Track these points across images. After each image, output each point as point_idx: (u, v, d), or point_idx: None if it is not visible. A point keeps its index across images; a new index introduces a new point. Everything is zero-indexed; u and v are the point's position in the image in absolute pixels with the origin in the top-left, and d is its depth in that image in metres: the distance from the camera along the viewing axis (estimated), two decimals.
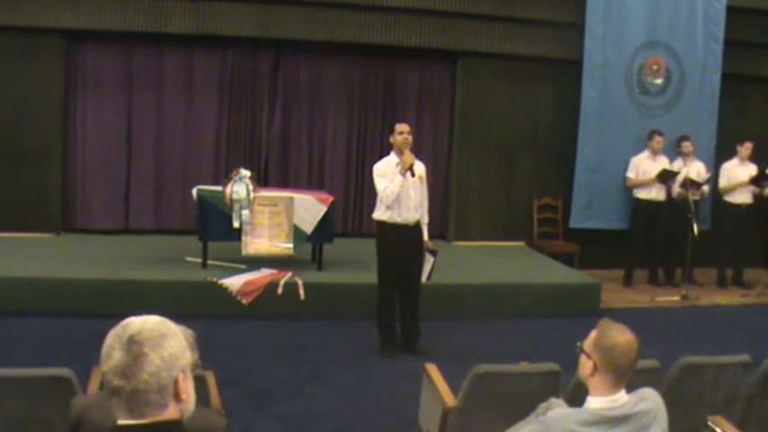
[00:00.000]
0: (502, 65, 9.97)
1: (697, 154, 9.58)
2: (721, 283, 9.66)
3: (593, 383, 2.64)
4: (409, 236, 6.41)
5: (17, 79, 8.90)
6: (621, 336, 2.62)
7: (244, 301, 7.37)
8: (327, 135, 10.06)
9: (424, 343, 6.60)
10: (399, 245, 6.38)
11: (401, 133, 6.28)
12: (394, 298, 6.53)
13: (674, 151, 9.57)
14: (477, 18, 9.56)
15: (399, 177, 6.21)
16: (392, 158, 6.36)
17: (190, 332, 1.87)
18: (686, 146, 9.43)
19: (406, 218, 6.36)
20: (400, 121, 6.60)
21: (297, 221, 7.83)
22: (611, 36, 9.72)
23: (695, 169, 9.39)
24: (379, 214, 6.43)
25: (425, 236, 6.59)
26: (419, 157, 6.52)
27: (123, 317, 1.83)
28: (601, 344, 2.62)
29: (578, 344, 2.72)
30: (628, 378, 2.63)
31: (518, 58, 9.86)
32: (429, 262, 6.58)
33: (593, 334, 2.68)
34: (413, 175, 6.24)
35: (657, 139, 9.37)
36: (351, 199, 10.15)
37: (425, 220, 6.60)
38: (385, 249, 6.46)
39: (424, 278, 6.60)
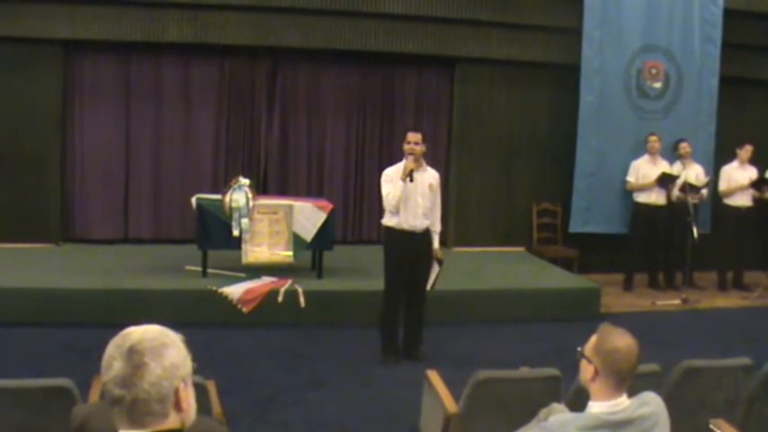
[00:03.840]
0: (499, 70, 10.00)
1: (696, 157, 9.60)
2: (722, 287, 9.66)
3: (595, 388, 2.63)
4: (416, 243, 6.40)
5: (15, 89, 8.91)
6: (622, 340, 2.61)
7: (244, 310, 7.36)
8: (326, 142, 10.07)
9: (425, 349, 6.60)
10: (405, 251, 6.38)
11: (408, 142, 6.29)
12: (398, 304, 6.53)
13: (672, 155, 9.59)
14: (474, 24, 9.58)
15: (400, 183, 6.22)
16: (401, 165, 6.37)
17: (180, 336, 1.86)
18: (683, 147, 9.45)
19: (412, 225, 6.36)
20: (414, 129, 6.56)
21: (296, 229, 7.83)
22: (609, 40, 9.73)
23: (694, 173, 9.41)
24: (387, 220, 6.44)
25: (436, 244, 6.59)
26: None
27: (123, 326, 1.83)
28: (601, 348, 2.62)
29: (579, 349, 2.72)
30: (629, 382, 2.63)
31: (516, 63, 9.88)
32: (434, 271, 6.58)
33: (593, 339, 2.68)
34: (411, 180, 6.23)
35: (651, 139, 9.41)
36: (350, 206, 10.15)
37: (436, 228, 6.59)
38: (391, 255, 6.47)
39: (428, 286, 6.59)
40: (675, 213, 9.22)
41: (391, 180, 6.32)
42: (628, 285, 9.52)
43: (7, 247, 8.69)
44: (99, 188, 9.47)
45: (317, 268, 8.09)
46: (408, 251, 6.38)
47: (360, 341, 6.89)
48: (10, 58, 8.85)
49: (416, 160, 6.27)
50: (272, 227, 7.81)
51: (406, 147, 6.29)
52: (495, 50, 9.77)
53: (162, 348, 1.77)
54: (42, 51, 8.91)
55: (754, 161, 9.63)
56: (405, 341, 6.62)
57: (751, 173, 9.57)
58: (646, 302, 8.92)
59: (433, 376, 4.31)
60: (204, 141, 9.72)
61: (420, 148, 6.29)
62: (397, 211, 6.32)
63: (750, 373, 4.03)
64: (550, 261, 9.57)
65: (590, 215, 9.90)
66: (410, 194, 6.29)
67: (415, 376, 5.03)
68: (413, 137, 6.29)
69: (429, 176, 6.47)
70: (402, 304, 6.55)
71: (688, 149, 9.45)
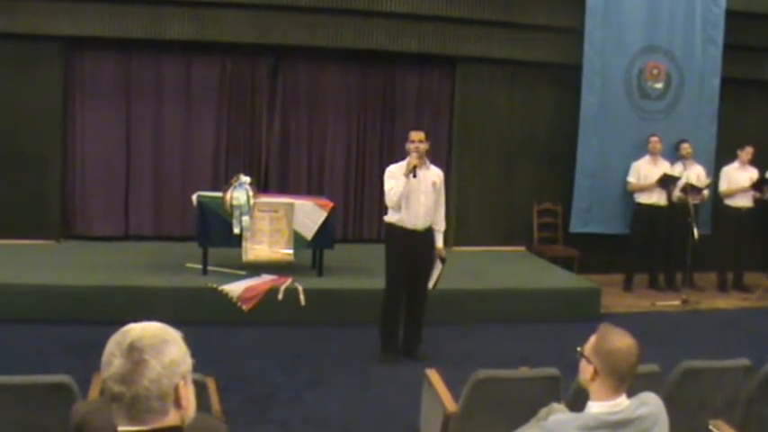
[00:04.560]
0: (501, 70, 9.99)
1: (697, 158, 9.60)
2: (722, 287, 9.66)
3: (594, 388, 2.64)
4: (417, 241, 6.40)
5: (16, 86, 8.91)
6: (621, 340, 2.61)
7: (244, 308, 7.36)
8: (327, 141, 10.06)
9: (424, 348, 6.60)
10: (406, 249, 6.37)
11: (412, 141, 6.30)
12: (399, 301, 6.53)
13: (674, 155, 9.59)
14: (475, 23, 9.57)
15: (403, 179, 6.23)
16: (405, 162, 6.37)
17: (180, 334, 1.86)
18: (685, 148, 9.45)
19: (414, 223, 6.36)
20: (416, 128, 6.58)
21: (297, 227, 7.84)
22: (610, 41, 9.73)
23: (695, 173, 9.41)
24: (389, 217, 6.45)
25: (439, 243, 6.59)
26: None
27: (123, 323, 1.84)
28: (601, 348, 2.62)
29: (578, 349, 2.72)
30: (628, 382, 2.63)
31: (517, 63, 9.87)
32: (437, 269, 6.57)
33: (593, 339, 2.68)
34: (414, 176, 6.23)
35: (652, 139, 9.41)
36: (351, 205, 10.15)
37: (440, 227, 6.58)
38: (392, 252, 6.47)
39: (429, 285, 6.60)
40: (676, 214, 9.21)
41: (394, 176, 6.32)
42: (628, 286, 9.51)
43: (8, 243, 8.70)
44: (100, 185, 9.48)
45: (318, 266, 8.10)
46: (410, 249, 6.38)
47: (360, 340, 6.90)
48: (10, 55, 8.85)
49: (420, 157, 6.27)
50: (273, 225, 7.81)
51: (410, 146, 6.30)
52: (496, 50, 9.76)
53: (162, 345, 1.77)
54: (43, 48, 8.91)
55: (754, 162, 9.62)
56: (404, 340, 6.62)
57: (751, 173, 9.56)
58: (646, 303, 8.92)
59: (433, 375, 4.31)
60: (205, 139, 9.72)
61: (423, 146, 6.30)
62: (398, 208, 6.32)
63: (750, 373, 4.03)
64: (551, 261, 9.57)
65: (591, 215, 9.89)
66: (413, 192, 6.29)
67: (414, 375, 5.03)
68: (416, 135, 6.31)
69: (433, 175, 6.47)
70: (402, 303, 6.55)
71: (689, 150, 9.45)
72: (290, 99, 9.90)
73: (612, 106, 9.81)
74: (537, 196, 10.18)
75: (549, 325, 7.67)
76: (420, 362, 6.05)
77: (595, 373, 2.62)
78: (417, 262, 6.45)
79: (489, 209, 10.15)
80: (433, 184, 6.44)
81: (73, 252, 8.79)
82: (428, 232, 6.46)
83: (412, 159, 6.21)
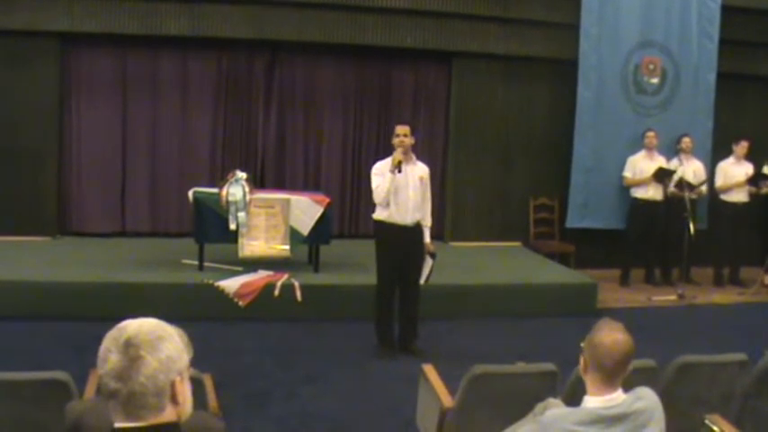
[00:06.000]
0: (497, 65, 9.98)
1: (694, 153, 9.59)
2: (718, 282, 9.67)
3: (588, 381, 2.67)
4: (407, 237, 6.41)
5: (12, 82, 8.89)
6: (609, 335, 2.62)
7: (240, 303, 7.36)
8: (323, 136, 10.06)
9: (421, 343, 6.61)
10: (397, 245, 6.38)
11: (397, 135, 6.32)
12: (392, 298, 6.54)
13: (670, 150, 9.59)
14: (471, 19, 9.57)
15: (388, 174, 6.24)
16: (391, 159, 6.38)
17: (181, 331, 1.86)
18: (686, 142, 9.44)
19: (403, 218, 6.37)
20: (401, 122, 6.62)
21: (293, 223, 7.83)
22: (606, 36, 9.73)
23: (692, 168, 9.41)
24: (378, 214, 6.46)
25: (427, 238, 6.60)
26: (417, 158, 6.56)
27: (120, 320, 1.83)
28: (590, 342, 2.66)
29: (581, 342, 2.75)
30: (620, 377, 2.64)
31: (513, 58, 9.87)
32: (428, 264, 6.58)
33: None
34: (399, 171, 6.24)
35: (648, 134, 9.42)
36: (347, 200, 10.14)
37: (427, 222, 6.60)
38: (383, 249, 6.48)
39: (422, 280, 6.60)
40: (672, 209, 9.22)
41: (381, 173, 6.34)
42: (624, 281, 9.51)
43: (4, 240, 8.69)
44: (96, 181, 9.46)
45: (314, 262, 8.10)
46: (400, 245, 6.39)
47: (356, 335, 6.91)
48: (6, 51, 8.82)
49: (405, 152, 6.28)
50: (269, 221, 7.80)
51: (395, 140, 6.33)
52: (492, 45, 9.76)
53: (158, 342, 1.77)
54: (39, 44, 8.88)
55: (750, 157, 9.63)
56: (400, 336, 6.63)
57: (747, 168, 9.57)
58: (642, 298, 8.92)
59: (429, 371, 4.31)
60: (201, 135, 9.70)
61: (408, 141, 6.32)
62: (386, 204, 6.33)
63: (745, 368, 4.04)
64: (547, 256, 9.57)
65: (587, 210, 9.90)
66: (400, 188, 6.31)
67: (410, 371, 5.04)
68: (401, 129, 6.34)
69: (419, 170, 6.50)
70: (396, 299, 6.56)
71: (690, 144, 9.43)
72: (287, 95, 9.89)
73: (608, 101, 9.81)
74: (533, 191, 10.19)
75: (545, 320, 7.68)
76: (416, 357, 6.07)
77: (586, 365, 2.66)
78: (408, 258, 6.46)
79: (485, 204, 10.15)
80: (420, 179, 6.46)
81: (69, 248, 8.78)
82: (417, 227, 6.48)
83: (396, 155, 6.23)
